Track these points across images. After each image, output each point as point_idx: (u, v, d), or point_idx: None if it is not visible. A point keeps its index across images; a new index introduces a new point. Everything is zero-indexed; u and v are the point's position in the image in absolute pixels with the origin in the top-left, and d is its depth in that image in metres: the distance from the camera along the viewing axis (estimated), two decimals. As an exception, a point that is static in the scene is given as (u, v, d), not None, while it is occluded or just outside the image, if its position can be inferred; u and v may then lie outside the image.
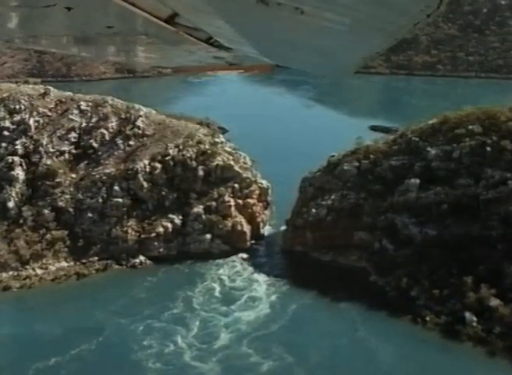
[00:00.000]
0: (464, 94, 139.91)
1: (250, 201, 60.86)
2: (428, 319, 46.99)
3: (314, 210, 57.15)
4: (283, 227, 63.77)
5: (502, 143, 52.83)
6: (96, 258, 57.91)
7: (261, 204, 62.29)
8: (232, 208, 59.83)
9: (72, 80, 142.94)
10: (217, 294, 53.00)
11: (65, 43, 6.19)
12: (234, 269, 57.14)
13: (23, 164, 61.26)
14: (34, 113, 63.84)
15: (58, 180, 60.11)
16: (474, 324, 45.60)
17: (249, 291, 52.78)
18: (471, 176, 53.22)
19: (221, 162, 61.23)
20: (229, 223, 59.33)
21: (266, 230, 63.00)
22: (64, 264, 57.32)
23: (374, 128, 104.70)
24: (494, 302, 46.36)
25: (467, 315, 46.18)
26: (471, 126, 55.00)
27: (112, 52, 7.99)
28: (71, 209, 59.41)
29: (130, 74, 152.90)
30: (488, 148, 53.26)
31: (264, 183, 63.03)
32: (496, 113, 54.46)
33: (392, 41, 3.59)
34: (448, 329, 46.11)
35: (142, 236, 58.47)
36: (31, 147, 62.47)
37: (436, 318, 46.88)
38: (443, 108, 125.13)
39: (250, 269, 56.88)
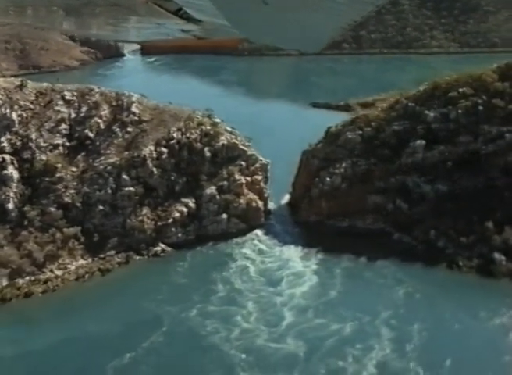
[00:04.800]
0: (368, 70, 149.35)
1: (258, 177, 61.41)
2: (461, 263, 51.28)
3: (328, 179, 59.18)
4: (284, 200, 65.20)
5: (493, 101, 58.39)
6: (113, 251, 55.38)
7: (264, 180, 63.09)
8: (244, 186, 60.04)
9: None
10: (253, 273, 52.98)
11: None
12: (258, 247, 57.49)
13: (14, 162, 56.56)
14: (15, 107, 58.90)
15: (58, 175, 56.30)
16: (504, 263, 50.65)
17: (285, 267, 53.37)
18: (469, 134, 58.26)
19: (226, 142, 60.97)
20: (242, 200, 59.51)
21: (270, 205, 63.93)
22: (82, 262, 54.19)
23: (315, 105, 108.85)
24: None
25: (496, 255, 51.09)
26: (461, 89, 60.05)
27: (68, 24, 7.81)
28: (79, 204, 56.03)
29: (36, 70, 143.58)
30: (481, 107, 58.60)
31: (263, 159, 63.75)
32: (482, 75, 59.95)
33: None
34: (482, 270, 50.71)
35: (158, 224, 56.79)
36: (18, 143, 57.70)
37: (469, 262, 51.32)
38: (350, 84, 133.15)
39: (274, 244, 57.62)
